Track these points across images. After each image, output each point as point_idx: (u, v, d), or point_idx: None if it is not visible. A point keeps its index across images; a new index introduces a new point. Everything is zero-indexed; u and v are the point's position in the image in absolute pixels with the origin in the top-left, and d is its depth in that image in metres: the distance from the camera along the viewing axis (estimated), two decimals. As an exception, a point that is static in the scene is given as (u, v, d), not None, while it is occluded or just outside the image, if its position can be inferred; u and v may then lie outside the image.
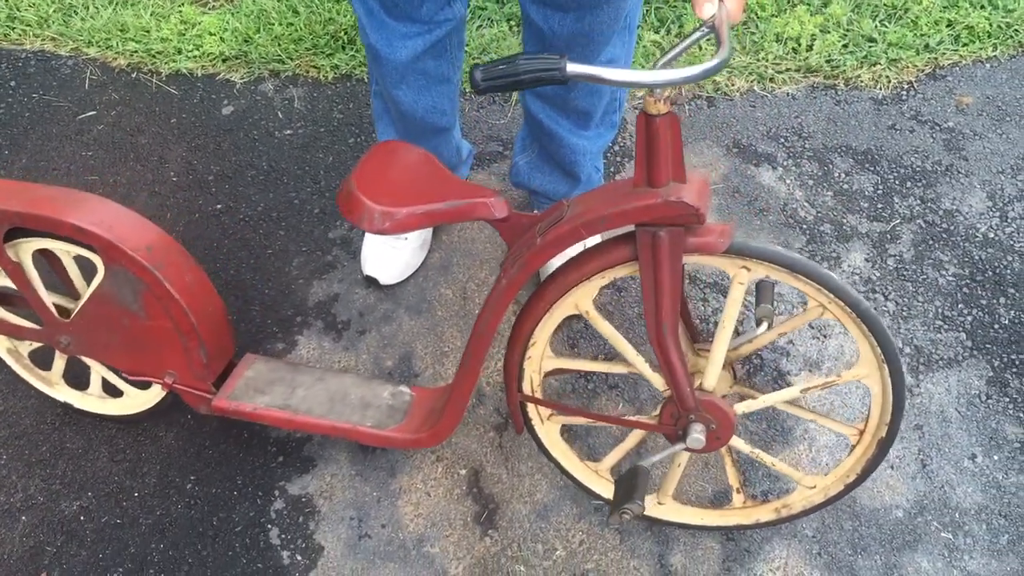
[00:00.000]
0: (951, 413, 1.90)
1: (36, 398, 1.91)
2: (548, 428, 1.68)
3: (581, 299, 1.43)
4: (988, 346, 2.00)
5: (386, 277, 2.08)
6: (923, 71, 2.54)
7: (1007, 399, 1.92)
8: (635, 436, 1.64)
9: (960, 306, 2.06)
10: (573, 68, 1.09)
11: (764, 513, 1.70)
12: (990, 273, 2.12)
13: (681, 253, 1.29)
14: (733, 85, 2.50)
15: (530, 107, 1.84)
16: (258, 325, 2.05)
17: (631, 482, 1.46)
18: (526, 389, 1.58)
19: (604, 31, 1.59)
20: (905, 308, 2.06)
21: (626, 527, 1.76)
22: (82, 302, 1.62)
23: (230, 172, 2.33)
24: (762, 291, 1.51)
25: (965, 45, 2.57)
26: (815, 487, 1.63)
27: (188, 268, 1.58)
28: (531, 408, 1.63)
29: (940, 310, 2.06)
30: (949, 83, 2.51)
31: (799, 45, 2.57)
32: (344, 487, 1.82)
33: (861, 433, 1.53)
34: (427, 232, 2.15)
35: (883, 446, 1.51)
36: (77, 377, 1.84)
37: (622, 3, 1.56)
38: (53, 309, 1.66)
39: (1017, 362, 1.97)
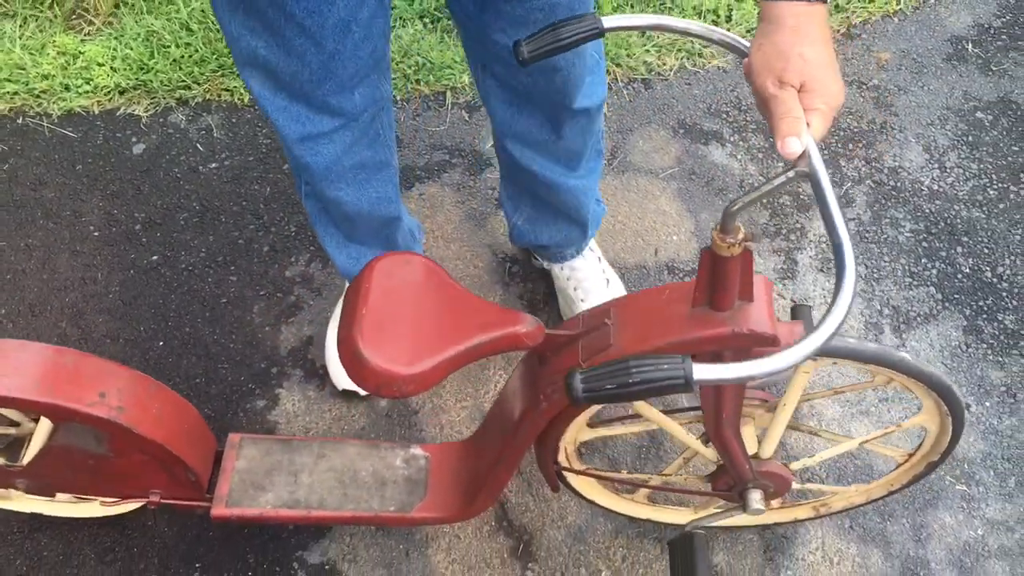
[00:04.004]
0: (939, 367, 1.97)
1: (-4, 507, 1.69)
2: (583, 480, 1.61)
3: None
4: (956, 296, 2.08)
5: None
6: (839, 31, 2.60)
7: (985, 345, 2.01)
8: (675, 466, 1.59)
9: (924, 260, 2.13)
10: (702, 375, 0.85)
11: (802, 512, 1.70)
12: (943, 224, 2.20)
13: None
14: (665, 64, 2.48)
15: (519, 159, 1.68)
16: (231, 385, 1.88)
17: (689, 555, 1.40)
18: (561, 460, 1.50)
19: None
20: (875, 270, 2.11)
21: (664, 534, 1.74)
22: (33, 452, 1.41)
23: (158, 218, 2.12)
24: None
25: (872, 1, 2.64)
26: (857, 491, 1.65)
27: (151, 395, 1.38)
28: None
29: (907, 267, 2.12)
30: (865, 41, 2.58)
31: (718, 16, 2.57)
32: (367, 545, 1.71)
33: (910, 456, 1.55)
34: None
35: (933, 466, 1.53)
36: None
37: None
38: None
39: (985, 308, 2.06)
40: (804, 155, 0.94)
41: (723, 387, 1.22)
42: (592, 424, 1.48)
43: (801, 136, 0.93)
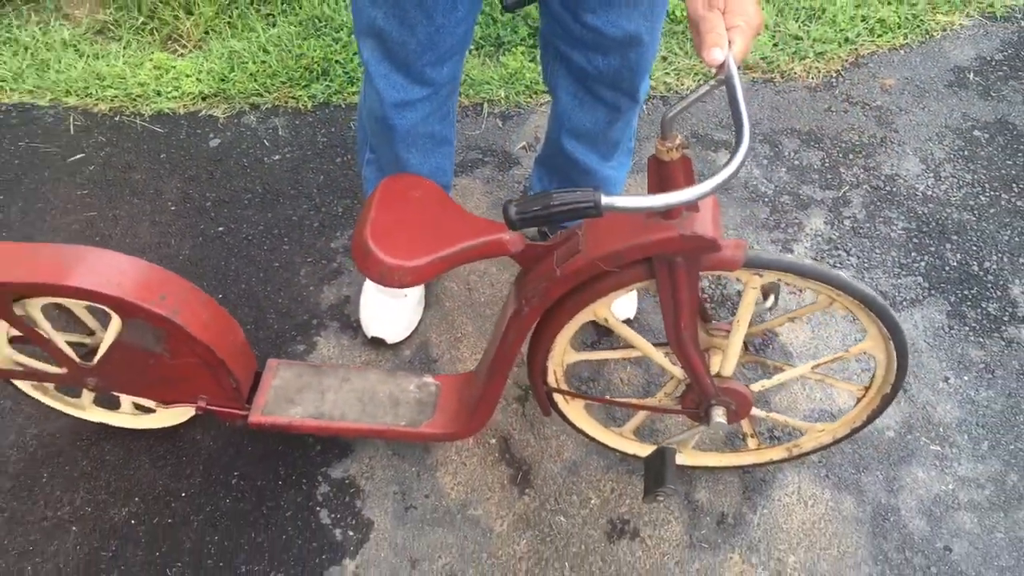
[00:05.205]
0: (921, 345, 2.12)
1: (70, 419, 1.96)
2: (573, 407, 1.81)
3: (599, 308, 1.50)
4: (943, 285, 2.23)
5: (393, 335, 2.10)
6: (847, 61, 2.83)
7: (967, 328, 2.15)
8: (657, 397, 1.77)
9: (913, 254, 2.30)
10: (608, 201, 1.08)
11: (776, 453, 1.86)
12: (934, 224, 2.37)
13: (698, 272, 1.37)
14: (683, 84, 2.74)
15: (564, 146, 1.93)
16: (276, 332, 2.15)
17: (660, 465, 1.58)
18: (551, 382, 1.70)
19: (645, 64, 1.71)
20: (866, 261, 2.29)
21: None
22: (103, 349, 1.66)
23: (227, 197, 2.44)
24: (770, 289, 1.58)
25: (880, 36, 2.87)
26: (824, 431, 1.80)
27: (203, 305, 1.62)
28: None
29: (896, 259, 2.29)
30: (871, 69, 2.80)
31: None
32: (383, 466, 1.92)
33: (866, 390, 1.71)
34: (422, 289, 2.21)
35: (887, 400, 1.68)
36: (108, 398, 1.90)
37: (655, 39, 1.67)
38: (73, 355, 1.70)
39: (969, 296, 2.21)
40: (724, 66, 1.16)
41: (680, 299, 1.43)
42: (577, 348, 1.70)
43: (723, 48, 1.14)
